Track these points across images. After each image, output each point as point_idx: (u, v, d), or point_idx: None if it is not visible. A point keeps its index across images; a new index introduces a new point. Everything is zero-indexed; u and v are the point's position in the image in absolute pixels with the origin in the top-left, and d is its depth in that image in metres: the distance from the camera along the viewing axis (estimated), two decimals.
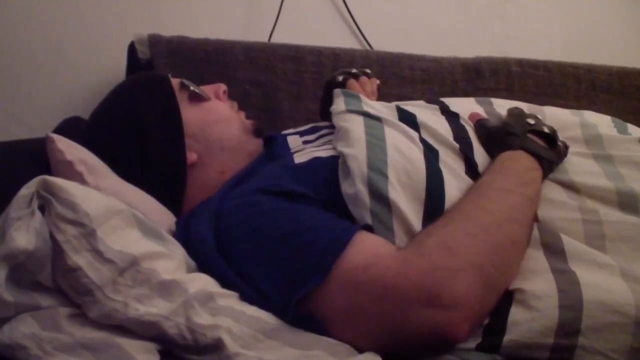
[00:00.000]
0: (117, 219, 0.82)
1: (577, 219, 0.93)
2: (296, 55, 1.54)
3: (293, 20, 1.67)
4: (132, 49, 1.47)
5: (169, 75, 1.17)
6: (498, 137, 1.03)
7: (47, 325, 0.77)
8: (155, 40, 1.47)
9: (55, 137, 1.02)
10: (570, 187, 0.98)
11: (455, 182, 0.96)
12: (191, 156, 1.10)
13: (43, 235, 0.77)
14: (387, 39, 1.71)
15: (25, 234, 0.76)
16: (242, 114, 1.21)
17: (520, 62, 1.62)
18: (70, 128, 1.23)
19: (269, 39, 1.65)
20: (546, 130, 1.03)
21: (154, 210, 1.03)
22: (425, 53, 1.63)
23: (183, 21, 1.62)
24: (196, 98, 1.14)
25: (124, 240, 0.80)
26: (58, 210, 0.77)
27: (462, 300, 0.78)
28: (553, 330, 0.80)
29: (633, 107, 1.60)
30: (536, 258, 0.88)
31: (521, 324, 0.82)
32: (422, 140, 1.01)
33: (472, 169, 1.00)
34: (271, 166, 1.04)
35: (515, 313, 0.83)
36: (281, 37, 1.63)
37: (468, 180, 0.97)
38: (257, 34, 1.63)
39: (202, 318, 0.79)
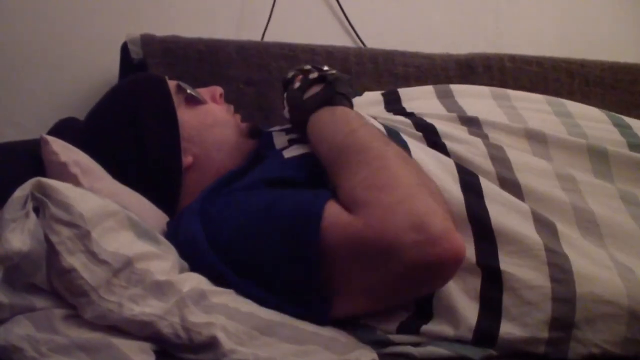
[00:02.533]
0: (112, 220, 0.82)
1: (556, 186, 0.93)
2: (289, 54, 1.54)
3: (286, 18, 1.67)
4: (125, 49, 1.47)
5: (166, 77, 1.16)
6: (296, 116, 1.06)
7: (42, 326, 0.77)
8: (148, 40, 1.47)
9: (50, 138, 1.02)
10: (539, 142, 0.99)
11: (417, 144, 0.98)
12: (187, 159, 1.10)
13: (38, 236, 0.77)
14: (380, 36, 1.71)
15: (20, 236, 0.76)
16: (238, 117, 1.21)
17: (513, 58, 1.63)
18: (65, 129, 1.23)
19: (262, 38, 1.65)
20: (312, 75, 1.05)
21: (149, 212, 1.03)
22: (418, 50, 1.63)
23: (176, 20, 1.62)
24: (192, 101, 1.15)
25: (118, 242, 0.80)
26: (52, 211, 0.77)
27: (432, 217, 0.78)
28: (547, 324, 0.81)
29: (625, 102, 1.61)
30: (529, 233, 0.87)
31: (515, 317, 0.82)
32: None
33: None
34: (259, 167, 1.04)
35: (508, 304, 0.83)
36: (274, 36, 1.63)
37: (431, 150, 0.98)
38: (250, 33, 1.63)
39: (197, 316, 0.79)
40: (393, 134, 0.99)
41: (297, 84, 1.07)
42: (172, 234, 0.97)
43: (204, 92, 1.18)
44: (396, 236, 0.77)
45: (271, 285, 0.86)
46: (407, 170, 0.86)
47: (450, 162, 0.94)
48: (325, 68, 1.13)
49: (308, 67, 1.12)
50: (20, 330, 0.76)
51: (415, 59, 1.61)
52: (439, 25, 1.79)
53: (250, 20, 1.66)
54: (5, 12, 1.54)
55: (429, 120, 1.04)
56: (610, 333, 0.80)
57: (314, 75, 1.05)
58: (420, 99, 1.14)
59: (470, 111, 1.06)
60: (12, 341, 0.75)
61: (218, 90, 1.20)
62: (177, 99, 1.13)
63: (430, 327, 0.86)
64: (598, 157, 0.97)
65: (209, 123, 1.14)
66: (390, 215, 0.79)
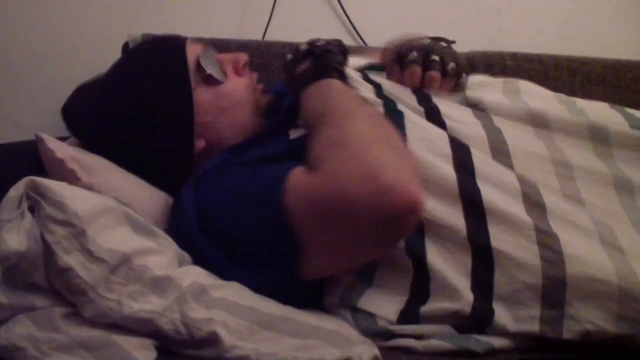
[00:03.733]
0: (107, 217, 0.82)
1: (551, 172, 0.93)
2: None
3: (287, 17, 1.67)
4: (126, 49, 1.47)
5: (187, 47, 1.11)
6: (291, 91, 1.06)
7: (43, 325, 0.77)
8: None
9: (45, 136, 1.02)
10: (541, 124, 0.99)
11: (414, 116, 0.98)
12: (199, 144, 1.09)
13: (34, 236, 0.78)
14: (380, 35, 1.70)
15: (16, 236, 0.76)
16: (260, 88, 1.17)
17: (514, 56, 1.62)
18: (80, 106, 1.17)
19: (263, 37, 1.65)
20: (302, 47, 1.04)
21: (152, 201, 1.03)
22: None
23: (177, 20, 1.62)
24: (212, 81, 1.10)
25: (114, 238, 0.81)
26: (47, 211, 0.77)
27: (383, 168, 0.78)
28: (539, 302, 0.82)
29: (627, 99, 1.60)
30: (519, 213, 0.87)
31: (507, 295, 0.83)
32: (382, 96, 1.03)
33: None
34: (263, 144, 1.04)
35: (499, 281, 0.84)
36: (275, 35, 1.63)
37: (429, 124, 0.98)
38: (251, 32, 1.63)
39: (197, 312, 0.79)
40: (390, 106, 1.00)
41: (289, 56, 1.06)
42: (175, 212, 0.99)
43: (226, 61, 1.13)
44: (348, 189, 0.78)
45: (249, 253, 0.89)
46: (370, 126, 0.86)
47: (443, 135, 0.95)
48: (321, 42, 1.07)
49: (305, 45, 1.08)
50: (21, 330, 0.76)
51: None
52: (440, 23, 1.79)
53: (251, 20, 1.66)
54: (6, 12, 1.54)
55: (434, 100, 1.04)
56: (603, 310, 0.81)
57: (304, 46, 1.05)
58: None
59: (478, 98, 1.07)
60: (14, 340, 0.75)
61: (242, 59, 1.14)
62: (195, 77, 1.09)
63: (430, 306, 0.87)
64: (599, 136, 0.97)
65: (227, 106, 1.11)
66: (342, 170, 0.80)
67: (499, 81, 1.15)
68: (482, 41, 1.74)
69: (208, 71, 1.09)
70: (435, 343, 0.84)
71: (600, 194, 0.92)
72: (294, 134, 1.04)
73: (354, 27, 1.73)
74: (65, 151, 1.00)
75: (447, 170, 0.90)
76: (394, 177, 0.77)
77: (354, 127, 0.85)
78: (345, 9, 1.71)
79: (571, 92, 1.59)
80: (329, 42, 1.05)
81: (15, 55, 1.56)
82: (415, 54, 1.07)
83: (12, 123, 1.54)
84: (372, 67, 1.17)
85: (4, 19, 1.55)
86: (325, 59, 1.02)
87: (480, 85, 1.11)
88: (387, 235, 0.82)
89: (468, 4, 1.80)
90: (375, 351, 0.80)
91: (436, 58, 1.07)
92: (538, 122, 1.00)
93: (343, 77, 1.01)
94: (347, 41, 1.70)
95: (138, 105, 1.07)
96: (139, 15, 1.61)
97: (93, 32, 1.59)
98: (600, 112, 1.03)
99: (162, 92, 1.08)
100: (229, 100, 1.11)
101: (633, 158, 0.96)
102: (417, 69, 1.06)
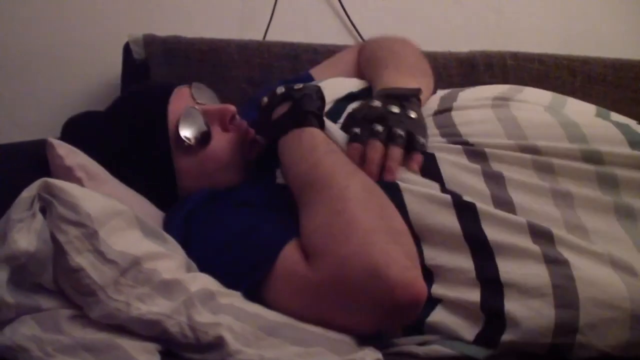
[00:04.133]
0: (118, 219, 0.82)
1: (550, 204, 0.91)
2: (291, 53, 1.54)
3: (288, 17, 1.67)
4: (127, 49, 1.47)
5: (169, 107, 1.07)
6: (266, 138, 1.05)
7: (48, 327, 0.77)
8: (150, 40, 1.47)
9: (56, 142, 1.02)
10: (533, 151, 0.95)
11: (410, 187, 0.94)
12: (181, 197, 1.09)
13: (44, 237, 0.78)
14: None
15: (26, 236, 0.77)
16: (251, 134, 1.11)
17: (515, 56, 1.62)
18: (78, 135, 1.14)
19: (264, 37, 1.65)
20: (279, 90, 1.02)
21: (153, 216, 1.03)
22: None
23: (178, 21, 1.62)
24: (194, 146, 1.07)
25: (125, 241, 0.81)
26: (60, 211, 0.77)
27: (388, 267, 0.78)
28: (551, 330, 0.81)
29: (628, 99, 1.60)
30: (526, 244, 0.86)
31: (518, 325, 0.82)
32: None
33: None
34: (253, 188, 1.04)
35: (511, 310, 0.82)
36: (276, 35, 1.63)
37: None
38: (252, 32, 1.63)
39: (204, 316, 0.79)
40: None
41: (265, 100, 1.04)
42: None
43: (212, 115, 1.08)
44: (352, 289, 0.79)
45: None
46: (367, 211, 0.85)
47: (446, 198, 0.91)
48: (299, 87, 1.02)
49: (282, 89, 1.03)
50: (26, 331, 0.76)
51: None
52: (441, 23, 1.79)
53: (252, 20, 1.66)
54: (8, 13, 1.54)
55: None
56: (614, 337, 0.80)
57: (281, 90, 1.02)
58: None
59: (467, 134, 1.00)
60: (18, 341, 0.75)
61: (229, 113, 1.09)
62: (176, 144, 1.06)
63: (435, 319, 0.87)
64: (596, 159, 0.94)
65: (210, 171, 1.08)
66: (345, 269, 0.80)
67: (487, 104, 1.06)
68: (482, 41, 1.74)
69: (188, 139, 1.06)
70: (436, 348, 0.84)
71: (601, 221, 0.89)
72: (280, 177, 1.02)
73: (354, 27, 1.73)
74: (74, 159, 1.01)
75: (450, 219, 0.89)
76: (400, 275, 0.78)
77: (351, 213, 0.84)
78: (346, 9, 1.72)
79: (572, 92, 1.59)
80: (306, 87, 1.02)
81: (17, 55, 1.55)
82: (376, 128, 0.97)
83: (12, 123, 1.54)
84: (350, 96, 1.14)
85: (4, 19, 1.55)
86: (304, 103, 0.99)
87: (466, 117, 1.04)
88: (388, 323, 0.84)
89: (468, 4, 1.80)
90: (378, 355, 0.80)
91: (401, 133, 0.96)
92: (532, 151, 0.95)
93: (322, 124, 0.99)
94: (348, 41, 1.71)
95: (121, 164, 1.06)
96: (139, 15, 1.62)
97: (93, 32, 1.59)
98: (595, 128, 0.99)
99: (144, 158, 1.07)
100: (212, 165, 1.08)
101: (636, 180, 0.93)
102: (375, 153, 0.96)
